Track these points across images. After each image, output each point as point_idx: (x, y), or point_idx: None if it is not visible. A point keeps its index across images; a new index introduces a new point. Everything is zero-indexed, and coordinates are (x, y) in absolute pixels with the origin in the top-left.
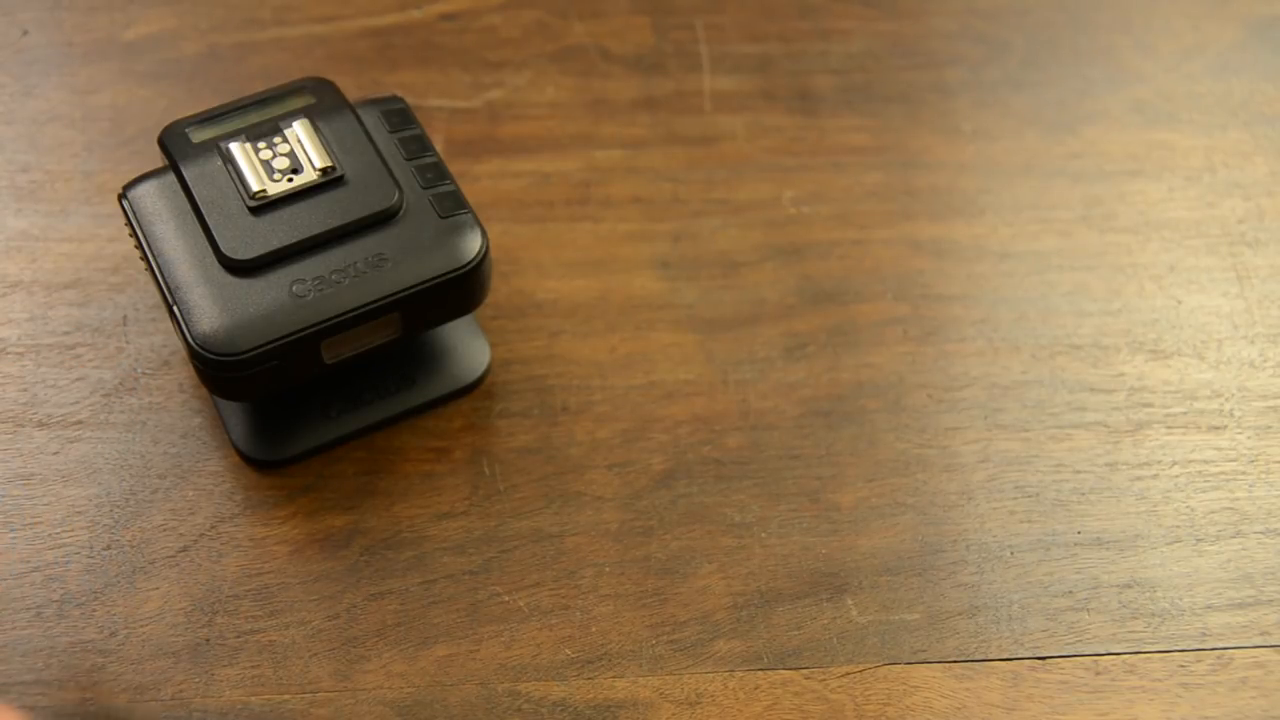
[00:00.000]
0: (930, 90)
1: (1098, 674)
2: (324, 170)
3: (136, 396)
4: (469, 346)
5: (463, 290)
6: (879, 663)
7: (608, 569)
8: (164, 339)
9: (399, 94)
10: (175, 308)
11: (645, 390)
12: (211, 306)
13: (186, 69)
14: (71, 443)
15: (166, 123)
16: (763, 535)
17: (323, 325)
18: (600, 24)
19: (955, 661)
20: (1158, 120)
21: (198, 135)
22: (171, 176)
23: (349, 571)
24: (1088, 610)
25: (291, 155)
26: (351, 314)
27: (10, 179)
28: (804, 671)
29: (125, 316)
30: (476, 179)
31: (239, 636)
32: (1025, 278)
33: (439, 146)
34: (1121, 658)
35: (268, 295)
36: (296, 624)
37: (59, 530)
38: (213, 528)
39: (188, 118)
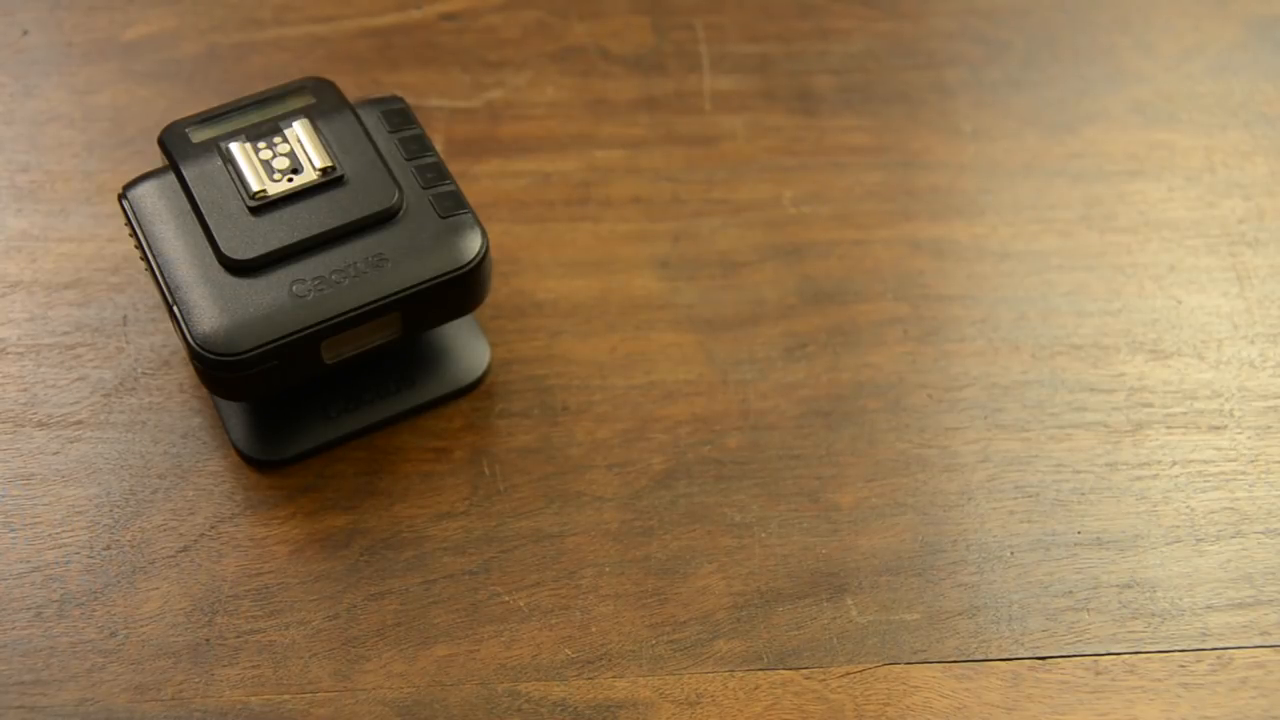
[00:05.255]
0: (930, 90)
1: (1098, 674)
2: (324, 170)
3: (136, 396)
4: (469, 346)
5: (463, 290)
6: (879, 663)
7: (608, 569)
8: (164, 339)
9: (399, 94)
10: (175, 308)
11: (645, 390)
12: (211, 306)
13: (186, 69)
14: (71, 443)
15: (166, 123)
16: (763, 535)
17: (323, 325)
18: (600, 24)
19: (955, 661)
20: (1158, 120)
21: (198, 135)
22: (171, 176)
23: (349, 571)
24: (1088, 610)
25: (291, 155)
26: (351, 314)
27: (10, 179)
28: (804, 671)
29: (125, 316)
30: (476, 179)
31: (239, 636)
32: (1025, 278)
33: (439, 146)
34: (1121, 658)
35: (268, 295)
36: (296, 624)
37: (59, 530)
38: (213, 528)
39: (188, 118)
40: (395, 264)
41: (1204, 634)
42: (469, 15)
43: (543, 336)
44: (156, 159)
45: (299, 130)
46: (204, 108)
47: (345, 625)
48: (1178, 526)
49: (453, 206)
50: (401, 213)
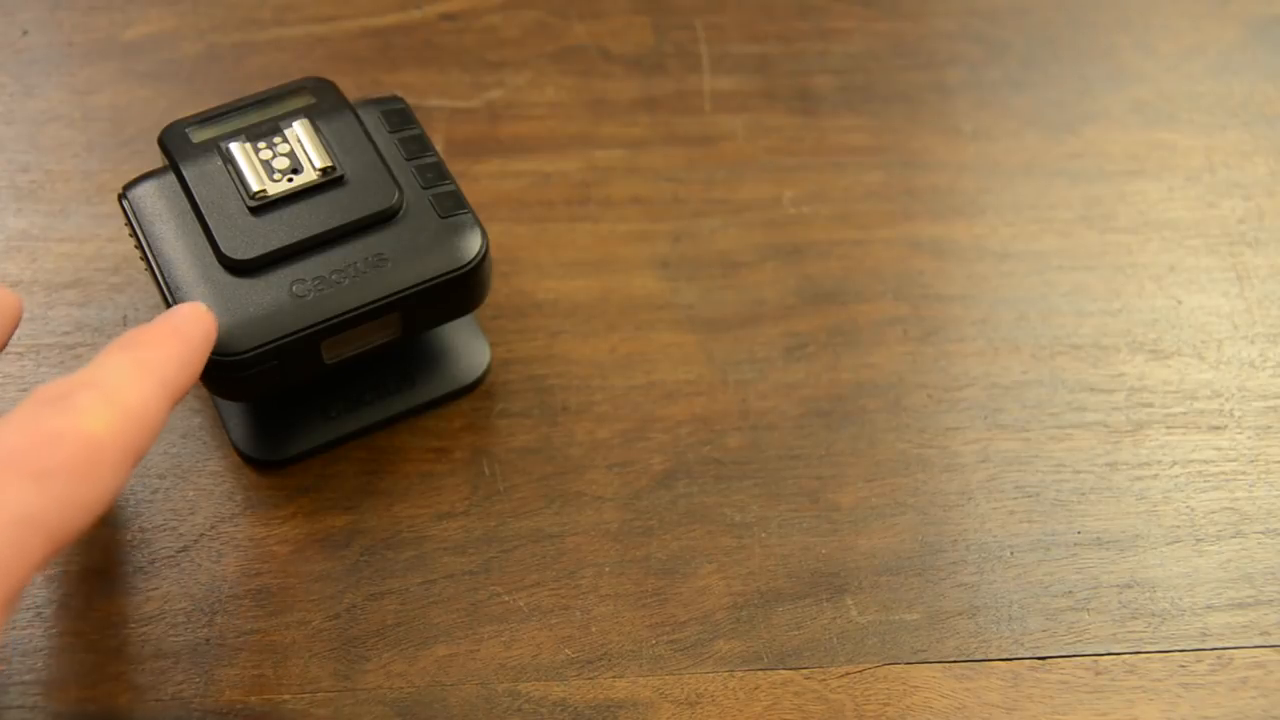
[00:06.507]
0: (930, 90)
1: (1098, 674)
2: (324, 170)
3: None
4: (469, 346)
5: (463, 290)
6: (879, 663)
7: (608, 569)
8: None
9: (399, 94)
10: None
11: (645, 390)
12: (212, 306)
13: (186, 69)
14: None
15: (166, 123)
16: (763, 535)
17: (323, 325)
18: (600, 24)
19: (955, 661)
20: (1158, 120)
21: (198, 135)
22: (171, 176)
23: (349, 571)
24: (1088, 610)
25: (291, 155)
26: (351, 314)
27: (10, 179)
28: (804, 671)
29: (125, 316)
30: (476, 179)
31: (239, 636)
32: (1025, 278)
33: (439, 146)
34: (1121, 658)
35: (268, 295)
36: (296, 624)
37: None
38: (213, 528)
39: (188, 118)
40: (395, 264)
41: (1204, 634)
42: (469, 15)
43: (543, 336)
44: (156, 159)
45: (299, 130)
46: (204, 108)
47: (345, 625)
48: (1178, 526)
49: (453, 206)
50: (401, 213)
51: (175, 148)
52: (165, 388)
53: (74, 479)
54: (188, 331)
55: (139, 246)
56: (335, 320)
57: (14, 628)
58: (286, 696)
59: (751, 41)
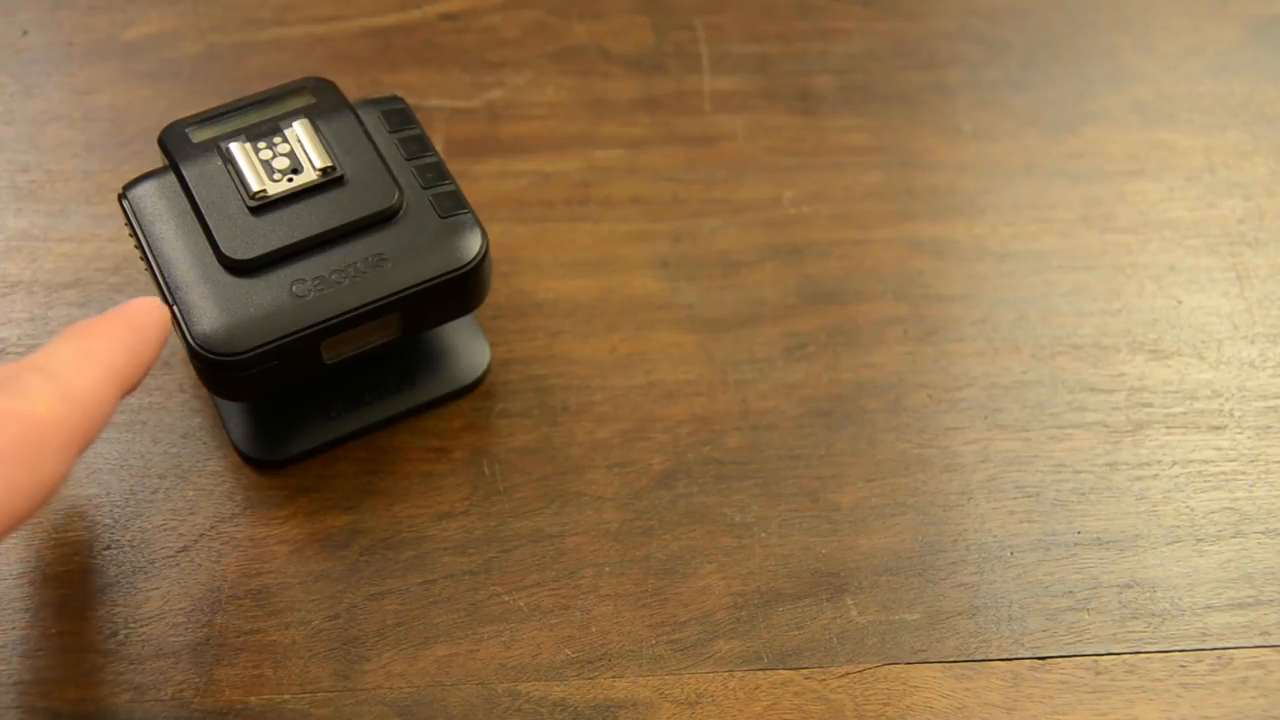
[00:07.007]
0: (930, 90)
1: (1098, 674)
2: (324, 170)
3: (136, 396)
4: (469, 346)
5: (463, 290)
6: (879, 663)
7: (608, 569)
8: None
9: (399, 94)
10: (175, 308)
11: (645, 390)
12: (211, 306)
13: (186, 69)
14: None
15: (166, 123)
16: (763, 535)
17: (323, 325)
18: (600, 24)
19: (955, 661)
20: (1158, 120)
21: (198, 135)
22: (171, 176)
23: (349, 571)
24: (1088, 610)
25: (291, 155)
26: (351, 314)
27: (10, 179)
28: (804, 671)
29: None
30: (476, 179)
31: (239, 636)
32: (1025, 278)
33: (439, 146)
34: (1121, 658)
35: (268, 295)
36: (296, 624)
37: (59, 530)
38: (213, 528)
39: (188, 118)
40: (395, 264)
41: (1204, 634)
42: (469, 15)
43: (543, 336)
44: (156, 159)
45: (299, 130)
46: (204, 108)
47: (345, 625)
48: (1178, 526)
49: (453, 206)
50: (401, 213)
51: (175, 148)
52: (113, 376)
53: (16, 461)
54: (139, 322)
55: (139, 246)
56: (335, 320)
57: (13, 628)
58: (286, 696)
59: (751, 41)
